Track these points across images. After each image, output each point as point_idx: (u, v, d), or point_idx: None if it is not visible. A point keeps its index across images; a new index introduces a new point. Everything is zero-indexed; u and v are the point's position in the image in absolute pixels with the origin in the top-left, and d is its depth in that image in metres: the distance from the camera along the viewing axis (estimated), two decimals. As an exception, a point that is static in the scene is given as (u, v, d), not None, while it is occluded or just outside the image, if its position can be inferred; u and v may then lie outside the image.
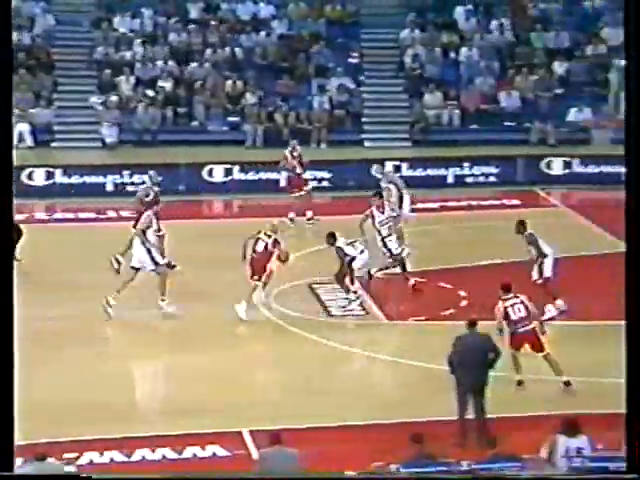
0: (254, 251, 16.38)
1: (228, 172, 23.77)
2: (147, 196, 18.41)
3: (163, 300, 16.03)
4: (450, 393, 12.46)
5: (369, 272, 17.26)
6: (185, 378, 13.95)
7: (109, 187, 23.15)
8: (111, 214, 21.56)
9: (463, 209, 22.03)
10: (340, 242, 16.70)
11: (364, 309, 16.69)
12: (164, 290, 16.02)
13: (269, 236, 16.45)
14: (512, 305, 13.51)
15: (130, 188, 23.47)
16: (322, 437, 12.56)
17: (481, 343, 12.39)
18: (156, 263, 16.11)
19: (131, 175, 23.35)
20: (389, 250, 17.24)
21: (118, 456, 11.80)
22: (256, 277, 16.29)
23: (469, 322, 12.66)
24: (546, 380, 13.72)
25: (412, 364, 14.58)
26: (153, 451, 11.98)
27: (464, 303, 16.61)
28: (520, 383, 13.66)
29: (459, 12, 28.35)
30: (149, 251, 16.13)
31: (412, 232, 19.56)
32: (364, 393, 13.78)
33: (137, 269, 16.11)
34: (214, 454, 12.10)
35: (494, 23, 28.04)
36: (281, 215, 21.94)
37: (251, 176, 23.80)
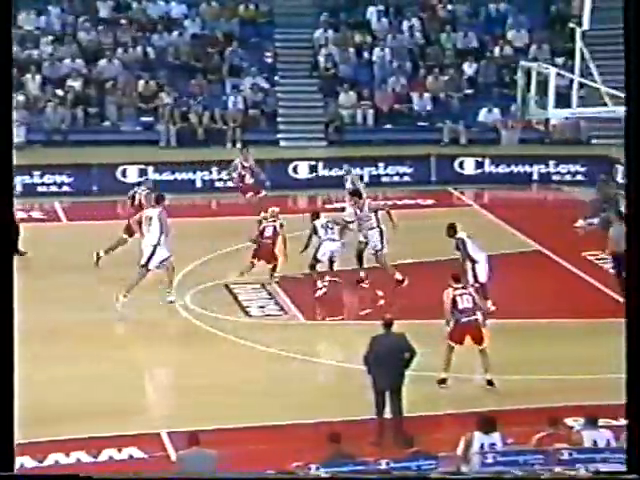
0: (262, 237, 17.25)
1: (142, 172, 23.46)
2: (144, 197, 18.35)
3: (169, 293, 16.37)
4: (367, 392, 12.47)
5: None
6: (100, 380, 13.68)
7: (18, 188, 22.65)
8: (21, 215, 21.09)
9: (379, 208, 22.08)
10: (318, 221, 17.26)
11: (282, 309, 16.63)
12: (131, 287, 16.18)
13: (274, 220, 17.40)
14: (461, 295, 13.70)
15: (41, 189, 23.02)
16: (241, 437, 12.49)
17: (396, 343, 12.46)
18: (163, 260, 16.35)
19: (42, 175, 22.89)
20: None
21: (30, 462, 11.51)
22: (271, 264, 17.22)
23: (385, 322, 12.70)
24: (465, 379, 13.83)
25: (330, 364, 14.58)
26: (67, 455, 11.74)
27: (381, 302, 16.66)
28: (443, 381, 13.75)
29: (371, 12, 28.49)
30: (156, 249, 16.33)
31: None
32: (282, 393, 13.72)
33: (145, 266, 16.37)
34: (131, 456, 11.91)
35: (405, 24, 28.24)
36: (198, 216, 21.81)
37: (166, 176, 23.54)
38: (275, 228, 17.39)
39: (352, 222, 17.68)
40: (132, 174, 23.40)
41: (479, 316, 13.68)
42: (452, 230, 16.16)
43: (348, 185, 19.55)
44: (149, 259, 16.35)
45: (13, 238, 17.96)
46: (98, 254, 17.94)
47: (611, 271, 18.06)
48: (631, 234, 5.17)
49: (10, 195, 5.35)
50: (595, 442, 10.60)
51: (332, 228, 17.26)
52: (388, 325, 12.67)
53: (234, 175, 20.86)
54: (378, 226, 17.32)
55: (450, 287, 13.83)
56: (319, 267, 17.15)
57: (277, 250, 17.26)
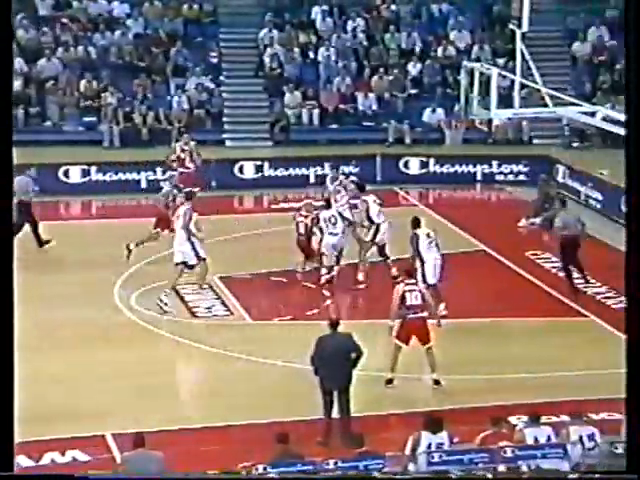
0: (298, 234, 17.71)
1: (85, 173, 23.26)
2: (168, 197, 18.51)
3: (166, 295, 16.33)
4: (314, 392, 12.50)
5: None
6: (42, 382, 13.54)
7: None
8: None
9: (325, 208, 22.11)
10: (324, 212, 17.67)
11: (228, 309, 16.61)
12: (174, 284, 16.35)
13: (306, 216, 17.72)
14: (410, 291, 13.71)
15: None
16: (187, 439, 12.46)
17: (343, 343, 12.49)
18: (199, 257, 16.40)
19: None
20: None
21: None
22: (311, 258, 17.49)
23: (331, 322, 12.74)
24: (413, 378, 13.92)
25: (276, 364, 14.58)
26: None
27: (328, 302, 16.70)
28: (390, 382, 13.80)
29: (316, 12, 28.53)
30: (193, 245, 16.31)
31: (275, 232, 19.61)
32: (228, 393, 13.72)
33: (182, 264, 16.38)
34: (74, 459, 11.82)
35: (350, 24, 28.33)
36: (143, 216, 21.66)
37: (110, 177, 23.37)
38: (306, 225, 17.73)
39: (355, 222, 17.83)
40: (75, 174, 23.20)
41: (426, 314, 13.71)
42: (413, 224, 16.20)
43: (333, 186, 19.38)
44: (196, 255, 16.50)
45: (35, 232, 18.75)
46: (128, 247, 18.03)
47: (554, 271, 18.32)
48: (631, 234, 5.24)
49: (10, 195, 5.32)
50: (536, 439, 10.76)
51: (335, 223, 17.47)
52: (334, 325, 12.71)
53: (172, 157, 20.71)
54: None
55: (402, 282, 13.87)
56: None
57: (314, 243, 17.61)
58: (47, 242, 18.95)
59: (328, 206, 17.91)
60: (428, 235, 16.16)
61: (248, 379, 14.27)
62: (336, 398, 12.39)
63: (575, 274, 17.56)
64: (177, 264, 16.46)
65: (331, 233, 17.44)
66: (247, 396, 13.65)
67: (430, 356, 13.77)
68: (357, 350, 12.44)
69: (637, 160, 5.12)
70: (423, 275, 15.71)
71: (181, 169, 20.58)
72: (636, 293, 5.08)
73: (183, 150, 20.79)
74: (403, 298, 13.63)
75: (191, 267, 16.59)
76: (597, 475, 9.89)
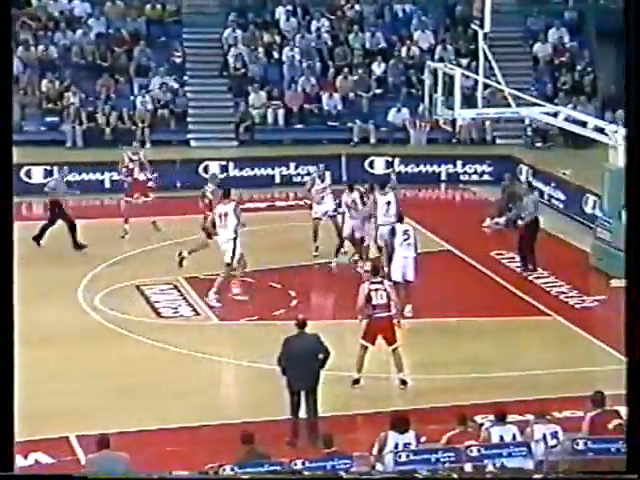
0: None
1: (48, 173, 23.09)
2: (212, 194, 18.45)
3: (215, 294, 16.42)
4: (280, 393, 12.51)
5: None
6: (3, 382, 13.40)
7: None
8: None
9: (291, 208, 22.18)
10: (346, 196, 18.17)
11: (194, 310, 16.57)
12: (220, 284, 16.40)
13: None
14: (376, 290, 13.63)
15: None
16: (153, 439, 12.42)
17: (311, 344, 12.49)
18: (232, 257, 16.51)
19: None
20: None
21: None
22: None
23: (298, 323, 12.73)
24: (379, 378, 13.96)
25: (243, 364, 14.57)
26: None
27: (294, 303, 16.71)
28: (357, 382, 13.81)
29: (280, 12, 28.54)
30: (234, 243, 16.47)
31: (240, 232, 19.54)
32: (194, 394, 13.67)
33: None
34: (37, 462, 11.75)
35: (314, 24, 28.36)
36: (107, 216, 21.56)
37: (73, 177, 23.21)
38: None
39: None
40: (37, 175, 23.04)
41: (393, 313, 13.62)
42: (396, 218, 16.31)
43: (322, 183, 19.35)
44: (233, 255, 16.47)
45: (71, 233, 19.04)
46: (181, 254, 17.87)
47: (518, 270, 18.46)
48: (631, 234, 5.27)
49: (10, 195, 5.31)
50: (502, 437, 10.84)
51: (355, 207, 17.89)
52: (302, 326, 12.71)
53: (122, 169, 20.48)
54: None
55: (367, 281, 13.82)
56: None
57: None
58: (83, 247, 19.03)
59: (351, 189, 18.22)
60: (406, 232, 16.15)
61: (213, 380, 14.26)
62: (303, 398, 12.40)
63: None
64: (228, 264, 16.59)
65: (352, 217, 17.69)
66: (213, 397, 13.64)
67: (396, 356, 13.77)
68: (324, 351, 12.46)
69: (637, 159, 5.15)
70: (388, 271, 15.73)
71: (129, 179, 20.26)
72: (636, 293, 5.12)
73: (132, 160, 20.40)
74: (369, 297, 13.59)
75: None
76: (598, 475, 9.98)
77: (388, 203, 17.49)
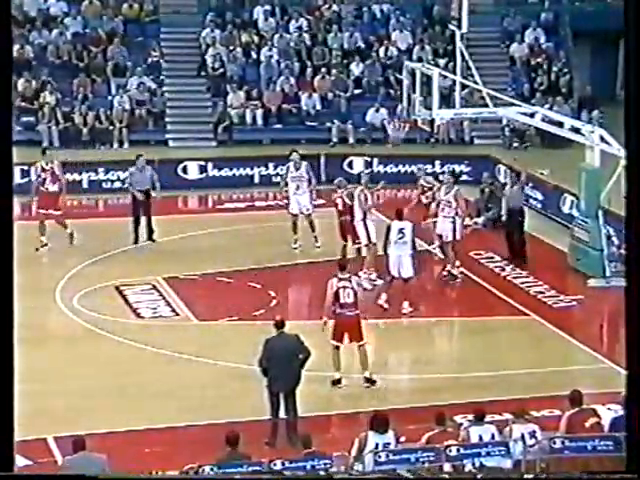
0: (338, 212, 18.15)
1: (25, 173, 22.98)
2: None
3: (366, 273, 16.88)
4: (262, 393, 12.52)
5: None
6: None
7: None
8: None
9: (270, 208, 22.18)
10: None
11: (174, 310, 16.55)
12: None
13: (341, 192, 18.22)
14: (344, 287, 13.70)
15: None
16: (132, 440, 12.39)
17: (290, 344, 12.50)
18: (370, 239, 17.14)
19: None
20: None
21: None
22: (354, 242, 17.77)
23: (276, 323, 12.75)
24: (348, 377, 13.99)
25: (223, 365, 14.56)
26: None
27: (274, 303, 16.72)
28: (338, 382, 13.83)
29: (258, 12, 28.53)
30: (366, 227, 17.03)
31: (220, 232, 19.57)
32: (175, 395, 13.66)
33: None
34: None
35: (292, 24, 28.36)
36: (85, 217, 21.49)
37: (51, 177, 23.09)
38: (344, 200, 18.11)
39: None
40: (14, 175, 22.90)
41: (358, 312, 13.71)
42: (395, 215, 16.35)
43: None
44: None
45: (148, 224, 19.33)
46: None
47: (497, 270, 18.54)
48: (631, 233, 5.29)
49: (10, 195, 5.29)
50: (481, 437, 10.90)
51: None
52: (280, 326, 12.72)
53: (33, 179, 19.95)
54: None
55: (335, 277, 13.83)
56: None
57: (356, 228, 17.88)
58: (153, 239, 19.38)
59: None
60: (401, 230, 16.22)
61: (193, 380, 14.24)
62: (283, 399, 12.41)
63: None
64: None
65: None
66: (192, 397, 13.62)
67: (362, 354, 13.77)
68: (305, 350, 12.48)
69: (637, 159, 5.17)
70: (387, 268, 15.95)
71: (42, 188, 19.71)
72: (635, 293, 5.14)
73: (44, 169, 19.85)
74: (337, 295, 13.65)
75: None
76: (598, 475, 10.04)
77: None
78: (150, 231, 19.35)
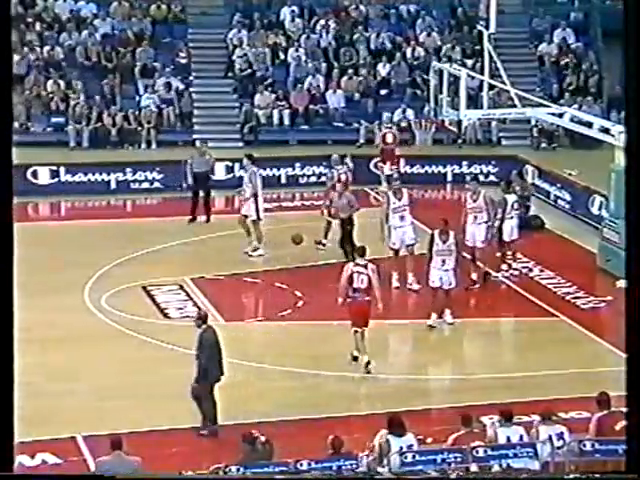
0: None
1: (54, 174, 23.13)
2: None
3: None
4: (287, 392, 12.51)
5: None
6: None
7: None
8: None
9: (297, 209, 22.17)
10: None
11: (200, 310, 16.56)
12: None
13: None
14: (359, 272, 13.86)
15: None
16: (162, 440, 12.42)
17: (217, 336, 12.65)
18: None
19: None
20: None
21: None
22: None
23: (200, 317, 12.92)
24: (374, 378, 13.96)
25: (248, 364, 14.56)
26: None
27: (300, 303, 16.71)
28: (355, 359, 14.01)
29: (285, 13, 28.54)
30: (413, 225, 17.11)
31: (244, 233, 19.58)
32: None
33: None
34: (44, 462, 11.76)
35: (320, 24, 28.35)
36: (113, 217, 21.60)
37: (79, 178, 23.26)
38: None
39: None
40: (44, 176, 23.07)
41: (370, 298, 13.90)
42: (443, 223, 16.34)
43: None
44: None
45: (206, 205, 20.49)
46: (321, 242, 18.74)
47: (525, 270, 18.44)
48: (631, 234, 5.24)
49: (10, 195, 5.31)
50: (508, 438, 10.83)
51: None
52: (204, 320, 12.79)
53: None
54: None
55: (352, 262, 14.10)
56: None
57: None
58: (209, 220, 20.50)
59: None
60: (445, 241, 15.89)
61: (221, 380, 14.23)
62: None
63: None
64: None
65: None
66: (220, 397, 13.63)
67: (360, 339, 13.97)
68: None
69: (637, 159, 5.10)
70: (427, 278, 15.85)
71: None
72: (635, 292, 5.08)
73: None
74: (350, 279, 13.84)
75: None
76: (597, 475, 9.97)
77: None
78: (208, 211, 20.55)
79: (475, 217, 17.52)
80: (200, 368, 12.55)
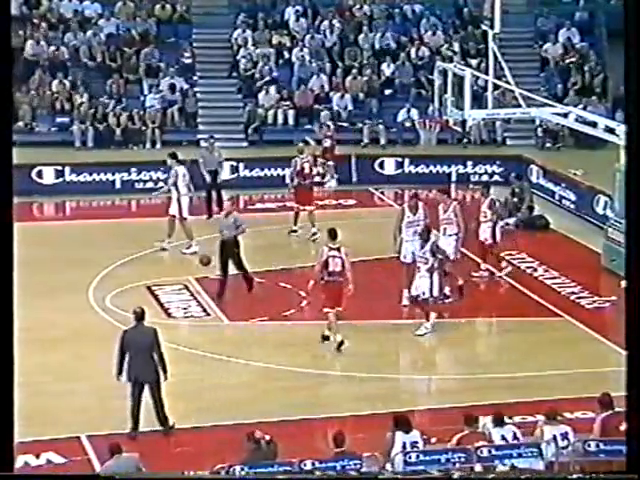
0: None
1: (59, 174, 23.15)
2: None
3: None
4: (291, 392, 12.50)
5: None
6: (16, 384, 13.44)
7: None
8: None
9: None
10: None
11: (204, 310, 16.57)
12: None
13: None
14: (333, 256, 14.61)
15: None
16: (163, 440, 12.41)
17: (147, 336, 12.54)
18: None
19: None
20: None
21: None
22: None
23: (136, 313, 12.80)
24: (379, 378, 13.95)
25: (253, 364, 14.56)
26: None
27: (304, 303, 16.70)
28: (326, 338, 14.55)
29: (289, 13, 28.55)
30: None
31: (251, 233, 19.58)
32: (205, 395, 13.67)
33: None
34: (49, 461, 11.77)
35: (324, 24, 28.34)
36: (118, 217, 21.60)
37: (84, 177, 23.28)
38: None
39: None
40: (49, 175, 23.09)
41: (343, 280, 14.53)
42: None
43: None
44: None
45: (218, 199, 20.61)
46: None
47: (529, 271, 18.42)
48: (631, 234, 5.24)
49: (10, 195, 5.31)
50: (503, 437, 10.84)
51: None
52: (140, 317, 12.71)
53: None
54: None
55: (326, 246, 14.73)
56: None
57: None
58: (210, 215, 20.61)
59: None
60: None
61: (223, 380, 14.25)
62: (148, 389, 12.41)
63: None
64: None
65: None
66: (224, 397, 13.64)
67: (335, 319, 14.46)
68: (158, 347, 12.50)
69: (637, 159, 5.10)
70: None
71: None
72: (636, 292, 5.08)
73: None
74: (326, 263, 14.53)
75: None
76: (598, 475, 9.96)
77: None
78: (222, 209, 20.45)
79: (445, 229, 17.18)
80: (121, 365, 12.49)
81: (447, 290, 16.22)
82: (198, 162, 21.21)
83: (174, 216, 19.06)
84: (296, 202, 19.88)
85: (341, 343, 14.42)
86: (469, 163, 24.31)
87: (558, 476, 10.50)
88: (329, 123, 21.46)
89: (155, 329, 12.78)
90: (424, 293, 15.28)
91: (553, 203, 22.41)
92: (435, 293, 15.29)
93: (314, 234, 19.37)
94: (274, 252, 19.01)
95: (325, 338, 14.67)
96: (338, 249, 14.63)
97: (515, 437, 10.83)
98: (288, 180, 20.72)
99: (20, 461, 11.67)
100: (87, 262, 18.31)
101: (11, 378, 5.38)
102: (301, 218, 19.81)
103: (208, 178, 21.01)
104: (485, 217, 17.69)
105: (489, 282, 18.01)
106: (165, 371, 12.51)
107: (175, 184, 19.16)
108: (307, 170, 19.88)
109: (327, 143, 20.63)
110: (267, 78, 27.04)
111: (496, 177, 24.16)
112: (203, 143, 21.88)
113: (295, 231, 19.80)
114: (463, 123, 22.67)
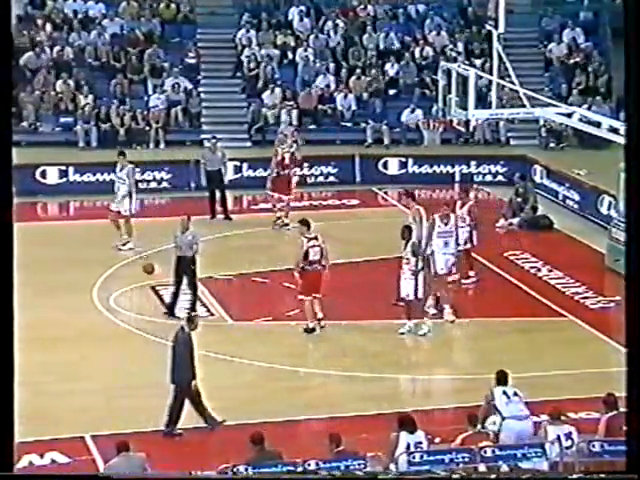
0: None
1: (63, 174, 23.16)
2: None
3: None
4: (296, 393, 12.50)
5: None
6: (19, 383, 13.45)
7: None
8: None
9: (305, 209, 22.16)
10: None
11: (208, 310, 16.58)
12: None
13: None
14: (313, 246, 15.20)
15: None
16: (167, 440, 12.41)
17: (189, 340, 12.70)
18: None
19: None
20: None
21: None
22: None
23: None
24: (383, 378, 13.95)
25: (257, 364, 14.56)
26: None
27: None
28: (311, 330, 14.88)
29: (293, 13, 28.54)
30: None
31: (255, 232, 19.62)
32: (209, 395, 13.66)
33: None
34: (53, 461, 11.78)
35: (328, 24, 28.34)
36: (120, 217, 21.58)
37: (87, 177, 23.29)
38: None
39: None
40: (52, 175, 23.10)
41: (322, 268, 15.18)
42: (407, 232, 15.87)
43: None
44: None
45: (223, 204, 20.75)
46: None
47: (533, 271, 18.41)
48: (631, 234, 5.23)
49: (10, 195, 5.31)
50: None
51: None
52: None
53: None
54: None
55: (304, 237, 15.24)
56: None
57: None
58: (229, 217, 20.79)
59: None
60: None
61: (227, 380, 14.26)
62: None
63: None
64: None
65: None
66: (228, 397, 13.64)
67: (319, 304, 15.01)
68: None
69: (637, 160, 5.09)
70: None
71: None
72: (636, 292, 5.07)
73: None
74: (307, 253, 15.10)
75: None
76: (598, 475, 9.94)
77: None
78: (226, 209, 20.92)
79: (464, 220, 17.19)
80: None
81: (472, 272, 17.12)
82: (199, 163, 21.22)
83: (119, 213, 19.17)
84: (274, 191, 20.27)
85: (321, 319, 15.02)
86: (473, 163, 24.30)
87: (558, 477, 10.48)
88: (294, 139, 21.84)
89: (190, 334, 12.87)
90: (408, 295, 15.22)
91: (557, 203, 22.39)
92: (420, 295, 15.20)
93: (286, 224, 19.78)
94: (277, 252, 19.00)
95: (312, 330, 15.01)
96: (315, 238, 15.24)
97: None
98: (269, 170, 20.88)
99: (24, 461, 11.69)
100: (91, 262, 18.32)
101: (11, 378, 5.36)
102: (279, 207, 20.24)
103: (204, 180, 20.98)
104: (464, 222, 17.44)
105: (493, 283, 17.99)
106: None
107: (127, 182, 19.19)
108: (287, 161, 20.16)
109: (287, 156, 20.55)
110: (270, 78, 27.03)
111: (500, 177, 24.15)
112: (206, 143, 21.87)
113: (279, 219, 20.14)
114: (467, 123, 22.67)
